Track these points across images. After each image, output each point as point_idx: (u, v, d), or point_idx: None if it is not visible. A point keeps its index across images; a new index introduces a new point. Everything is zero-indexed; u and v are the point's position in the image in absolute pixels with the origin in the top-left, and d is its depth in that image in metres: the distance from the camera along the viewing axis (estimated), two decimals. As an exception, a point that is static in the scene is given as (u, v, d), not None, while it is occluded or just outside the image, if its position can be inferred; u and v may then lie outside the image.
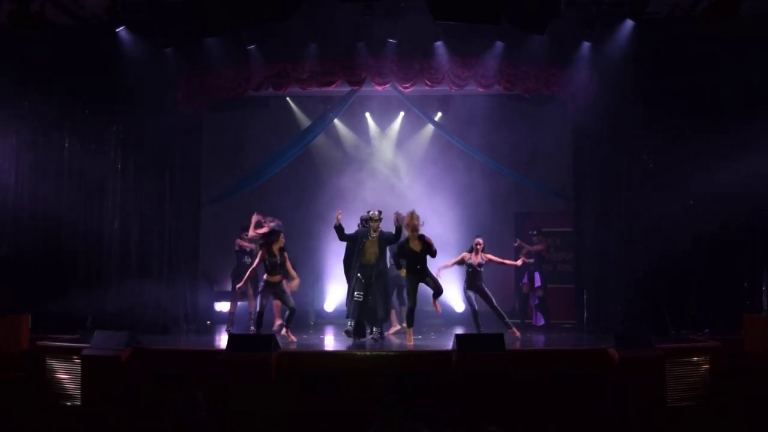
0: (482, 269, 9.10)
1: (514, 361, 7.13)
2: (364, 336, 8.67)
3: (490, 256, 9.19)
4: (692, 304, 9.82)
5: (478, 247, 9.10)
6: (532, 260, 10.93)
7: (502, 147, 11.27)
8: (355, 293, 8.60)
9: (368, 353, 7.81)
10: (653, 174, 9.96)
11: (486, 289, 9.13)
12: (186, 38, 9.52)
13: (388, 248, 8.86)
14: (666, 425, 6.93)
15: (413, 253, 8.36)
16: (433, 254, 8.45)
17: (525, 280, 11.11)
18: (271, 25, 9.15)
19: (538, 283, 10.95)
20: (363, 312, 8.58)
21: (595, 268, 10.02)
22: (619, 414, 6.72)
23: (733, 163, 9.69)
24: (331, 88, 10.42)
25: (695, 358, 7.49)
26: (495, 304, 9.07)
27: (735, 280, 9.79)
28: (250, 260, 10.22)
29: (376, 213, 8.87)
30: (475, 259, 9.05)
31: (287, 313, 8.63)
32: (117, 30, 9.58)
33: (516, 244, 11.20)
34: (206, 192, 11.25)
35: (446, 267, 9.08)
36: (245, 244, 10.29)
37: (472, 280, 9.07)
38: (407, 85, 10.21)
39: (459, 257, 9.14)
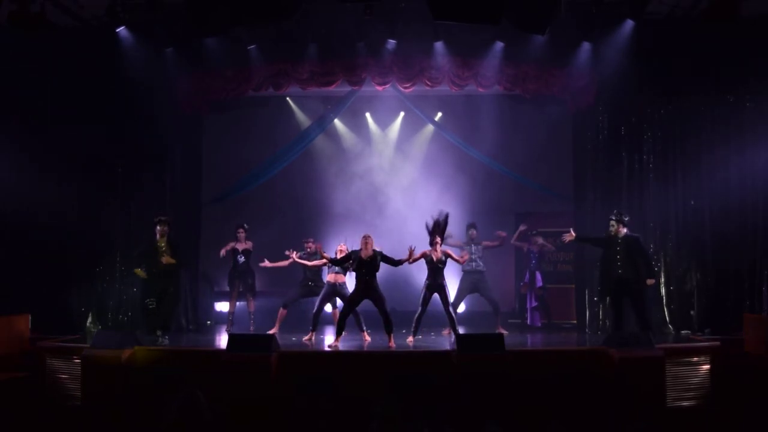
0: (442, 266, 8.64)
1: (514, 361, 7.13)
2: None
3: (449, 251, 8.79)
4: (692, 304, 9.82)
5: (436, 245, 8.63)
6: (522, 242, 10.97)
7: (502, 147, 11.26)
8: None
9: (368, 353, 7.80)
10: (653, 174, 9.97)
11: (447, 288, 8.74)
12: (186, 38, 9.52)
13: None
14: (666, 425, 6.93)
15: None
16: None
17: (526, 279, 11.12)
18: (271, 25, 9.15)
19: (539, 283, 10.96)
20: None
21: (595, 268, 10.01)
22: (619, 414, 6.72)
23: (733, 163, 9.72)
24: (331, 88, 10.44)
25: (695, 358, 7.48)
26: (450, 308, 8.69)
27: (735, 280, 9.79)
28: (243, 259, 10.28)
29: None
30: (437, 254, 8.61)
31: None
32: (117, 30, 9.58)
33: (521, 230, 11.05)
34: (206, 192, 11.26)
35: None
36: (240, 245, 10.33)
37: (434, 278, 8.63)
38: (407, 85, 10.22)
39: (419, 254, 8.59)
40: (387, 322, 8.17)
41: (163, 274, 8.78)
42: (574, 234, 8.92)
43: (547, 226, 11.52)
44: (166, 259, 8.73)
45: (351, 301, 8.42)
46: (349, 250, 8.55)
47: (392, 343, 8.08)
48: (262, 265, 9.62)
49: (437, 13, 8.08)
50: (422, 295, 8.72)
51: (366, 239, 8.31)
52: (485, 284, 9.95)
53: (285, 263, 9.47)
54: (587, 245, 9.50)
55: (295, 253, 9.28)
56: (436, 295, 8.69)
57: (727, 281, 9.80)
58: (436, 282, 8.62)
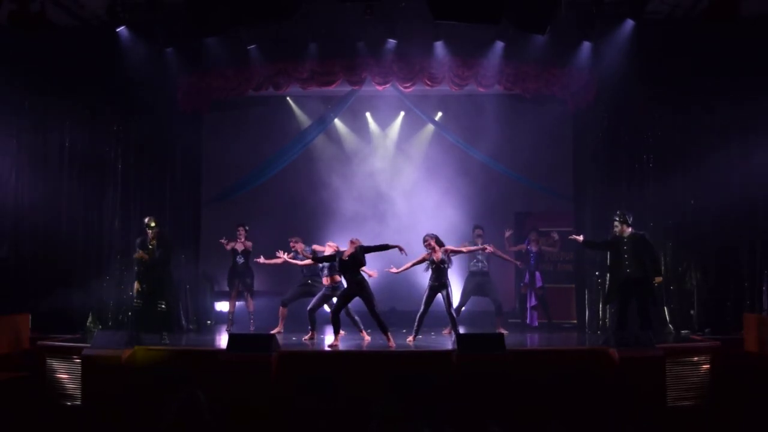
0: (445, 266, 8.58)
1: (514, 361, 7.13)
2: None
3: (449, 248, 8.71)
4: (692, 304, 9.83)
5: (428, 244, 8.58)
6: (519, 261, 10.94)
7: (502, 147, 11.26)
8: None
9: (368, 353, 7.80)
10: (653, 174, 9.97)
11: (450, 288, 8.64)
12: (186, 38, 9.52)
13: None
14: (666, 425, 6.93)
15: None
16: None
17: (526, 280, 11.12)
18: (271, 25, 9.15)
19: (539, 283, 10.96)
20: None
21: (596, 268, 10.02)
22: (619, 414, 6.72)
23: (733, 163, 9.72)
24: (331, 88, 10.44)
25: (695, 358, 7.48)
26: (452, 309, 8.66)
27: (735, 280, 9.79)
28: (242, 260, 10.30)
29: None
30: (437, 255, 8.54)
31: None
32: (117, 30, 9.58)
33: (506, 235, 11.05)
34: (206, 192, 11.26)
35: (406, 269, 8.81)
36: (239, 245, 10.36)
37: (437, 278, 8.57)
38: (407, 85, 10.22)
39: (420, 258, 8.65)
40: (379, 323, 8.16)
41: (150, 272, 8.98)
42: (581, 238, 8.86)
43: (547, 226, 11.52)
44: (139, 254, 9.10)
45: (342, 297, 8.48)
46: (339, 248, 8.62)
47: (391, 343, 8.07)
48: (256, 260, 9.72)
49: (437, 13, 8.09)
50: (425, 294, 8.71)
51: (351, 241, 8.35)
52: (490, 285, 9.97)
53: (278, 261, 9.54)
54: (596, 250, 9.45)
55: (286, 254, 9.39)
56: (439, 295, 8.69)
57: (727, 281, 9.81)
58: (439, 282, 8.59)
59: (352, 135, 12.44)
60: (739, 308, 9.59)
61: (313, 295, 9.35)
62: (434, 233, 8.70)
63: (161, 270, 9.17)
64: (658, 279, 8.68)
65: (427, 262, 8.63)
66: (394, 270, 8.83)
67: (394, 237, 10.34)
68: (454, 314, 8.73)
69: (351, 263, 8.20)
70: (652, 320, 8.60)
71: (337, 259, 8.34)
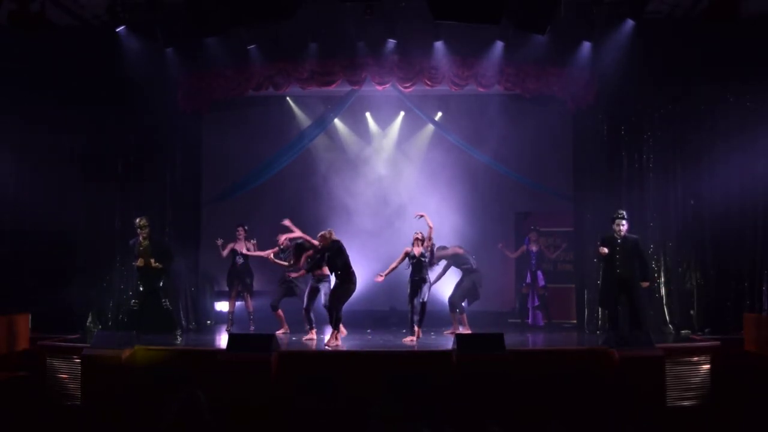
0: (425, 260, 8.78)
1: (514, 361, 7.13)
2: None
3: (429, 242, 8.83)
4: (692, 304, 9.83)
5: (418, 239, 8.82)
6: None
7: (502, 147, 11.26)
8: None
9: (368, 353, 7.80)
10: (653, 174, 9.97)
11: (428, 283, 8.81)
12: (186, 38, 9.51)
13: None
14: (666, 425, 6.93)
15: None
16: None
17: (528, 280, 11.12)
18: (271, 25, 9.16)
19: (541, 282, 10.96)
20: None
21: (595, 269, 10.02)
22: (619, 414, 6.72)
23: (733, 163, 9.71)
24: (331, 88, 10.43)
25: (695, 358, 7.48)
26: (424, 301, 8.74)
27: (735, 280, 9.79)
28: (242, 260, 10.31)
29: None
30: (417, 250, 8.78)
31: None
32: (117, 30, 9.59)
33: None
34: (206, 192, 11.26)
35: (391, 270, 8.89)
36: (241, 246, 10.39)
37: (418, 271, 8.75)
38: (407, 85, 10.22)
39: (401, 256, 8.86)
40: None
41: (148, 273, 9.02)
42: (606, 251, 8.70)
43: (547, 226, 11.53)
44: (139, 262, 9.09)
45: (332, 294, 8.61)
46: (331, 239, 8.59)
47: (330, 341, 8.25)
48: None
49: (437, 13, 8.09)
50: (408, 292, 8.84)
51: (326, 236, 8.53)
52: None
53: (263, 253, 9.93)
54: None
55: (272, 254, 9.63)
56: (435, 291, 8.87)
57: (727, 281, 9.81)
58: (419, 276, 8.73)
59: (352, 135, 12.44)
60: (739, 308, 9.59)
61: (295, 293, 9.41)
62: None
63: (160, 272, 9.19)
64: (645, 284, 8.72)
65: (408, 258, 8.76)
66: (380, 278, 8.88)
67: (393, 236, 10.37)
68: (417, 309, 8.72)
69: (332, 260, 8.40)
70: (641, 321, 8.63)
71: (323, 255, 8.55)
